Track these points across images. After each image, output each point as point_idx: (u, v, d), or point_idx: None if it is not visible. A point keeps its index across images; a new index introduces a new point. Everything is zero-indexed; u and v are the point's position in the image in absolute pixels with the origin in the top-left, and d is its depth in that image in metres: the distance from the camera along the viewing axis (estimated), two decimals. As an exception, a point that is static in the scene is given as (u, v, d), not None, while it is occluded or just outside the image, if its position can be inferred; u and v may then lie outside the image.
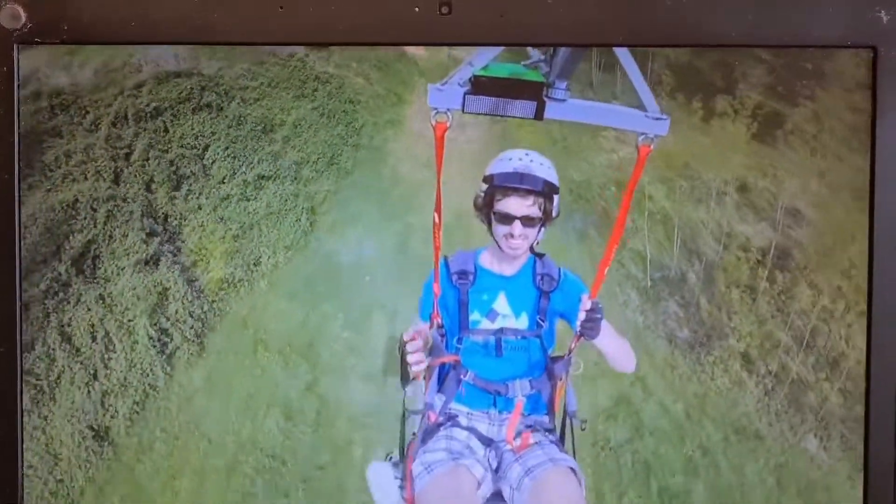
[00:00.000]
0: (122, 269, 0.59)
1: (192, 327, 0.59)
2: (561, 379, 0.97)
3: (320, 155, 0.63)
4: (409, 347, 0.93)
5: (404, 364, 0.94)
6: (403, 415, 0.97)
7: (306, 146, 0.62)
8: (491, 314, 0.97)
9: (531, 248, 0.97)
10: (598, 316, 0.92)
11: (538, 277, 0.98)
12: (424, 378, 0.97)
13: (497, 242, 0.96)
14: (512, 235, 0.93)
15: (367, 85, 0.70)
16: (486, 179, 0.94)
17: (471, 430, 0.97)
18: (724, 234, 0.82)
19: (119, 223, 0.62)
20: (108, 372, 0.58)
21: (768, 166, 0.81)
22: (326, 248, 0.63)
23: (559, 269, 0.99)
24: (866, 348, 0.85)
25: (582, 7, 0.82)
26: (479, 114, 0.83)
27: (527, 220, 0.92)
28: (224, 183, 0.61)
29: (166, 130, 0.63)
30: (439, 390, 0.97)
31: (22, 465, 0.89)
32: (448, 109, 0.82)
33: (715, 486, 0.80)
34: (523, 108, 0.83)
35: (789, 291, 0.79)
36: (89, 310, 0.58)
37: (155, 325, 0.60)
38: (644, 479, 0.83)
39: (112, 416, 0.58)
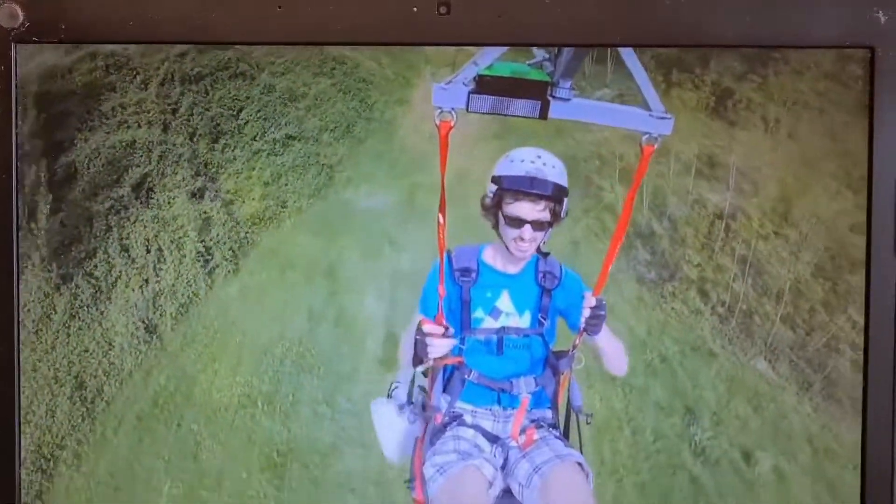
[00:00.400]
0: (174, 198, 0.72)
1: (230, 249, 0.72)
2: (564, 374, 0.97)
3: (337, 124, 0.75)
4: (426, 328, 0.91)
5: (421, 346, 0.91)
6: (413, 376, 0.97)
7: (325, 115, 0.74)
8: (494, 312, 0.97)
9: (537, 248, 0.96)
10: (602, 313, 0.91)
11: (540, 275, 0.97)
12: (430, 372, 0.97)
13: (505, 243, 0.95)
14: (522, 239, 0.92)
15: (379, 68, 0.80)
16: (495, 180, 0.93)
17: (476, 427, 0.97)
18: (687, 194, 0.91)
19: (170, 162, 0.73)
20: (159, 279, 0.70)
21: (726, 138, 0.89)
22: (343, 197, 0.76)
23: (561, 267, 0.98)
24: (864, 348, 0.85)
25: (580, 7, 0.82)
26: (483, 113, 0.83)
27: (537, 225, 0.92)
28: (255, 140, 0.73)
29: (207, 92, 0.73)
30: (444, 391, 0.97)
31: (19, 465, 0.89)
32: (452, 108, 0.82)
33: (671, 386, 0.91)
34: (527, 107, 0.83)
35: (742, 238, 0.89)
36: (145, 227, 0.71)
37: (200, 243, 0.72)
38: (610, 379, 0.96)
39: (161, 315, 0.70)
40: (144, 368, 0.69)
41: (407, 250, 0.90)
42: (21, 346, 0.63)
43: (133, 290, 0.68)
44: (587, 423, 0.97)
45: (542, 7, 0.82)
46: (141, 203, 0.72)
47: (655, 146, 0.84)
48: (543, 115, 0.84)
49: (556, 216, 0.93)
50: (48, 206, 0.68)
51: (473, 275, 0.97)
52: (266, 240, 0.75)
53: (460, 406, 0.98)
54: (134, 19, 0.85)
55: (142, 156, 0.74)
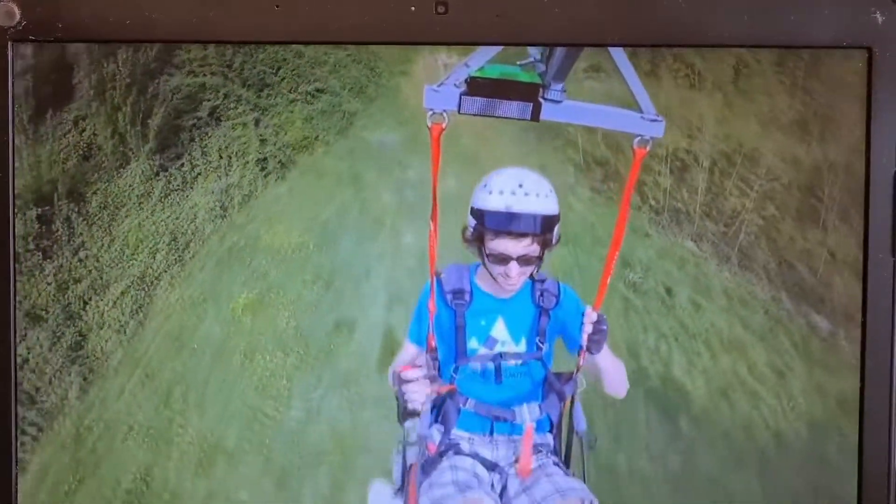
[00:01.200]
0: (237, 124, 0.91)
1: (279, 161, 0.91)
2: (568, 397, 0.91)
3: (353, 84, 0.92)
4: (405, 375, 0.87)
5: (401, 400, 0.88)
6: (403, 448, 0.95)
7: (343, 78, 0.90)
8: (489, 342, 0.91)
9: (530, 275, 0.91)
10: (604, 328, 0.86)
11: (538, 294, 0.92)
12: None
13: (492, 276, 0.90)
14: (508, 275, 0.87)
15: (385, 45, 0.91)
16: (474, 213, 0.87)
17: (474, 455, 0.91)
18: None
19: (231, 101, 0.92)
20: (229, 176, 0.92)
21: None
22: (361, 135, 0.93)
23: (559, 285, 0.93)
24: (861, 348, 0.86)
25: (579, 7, 0.82)
26: (474, 115, 0.83)
27: (524, 260, 0.86)
28: (291, 92, 0.91)
29: (252, 54, 0.90)
30: (437, 421, 0.91)
31: (16, 465, 0.89)
32: (444, 110, 0.82)
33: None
34: (519, 109, 0.83)
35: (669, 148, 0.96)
36: (218, 140, 0.92)
37: (259, 154, 0.93)
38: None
39: (230, 200, 0.93)
40: (220, 234, 0.93)
41: (412, 169, 0.97)
42: (125, 219, 0.88)
43: (211, 182, 0.91)
44: (591, 449, 0.93)
45: (540, 6, 0.82)
46: (214, 125, 0.92)
47: (647, 149, 0.83)
48: (535, 117, 0.83)
49: (546, 246, 0.87)
50: (148, 120, 0.90)
51: (467, 297, 0.91)
52: (304, 161, 0.95)
53: (456, 433, 0.92)
54: (132, 18, 0.84)
55: (210, 94, 0.92)
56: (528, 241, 0.86)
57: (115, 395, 0.94)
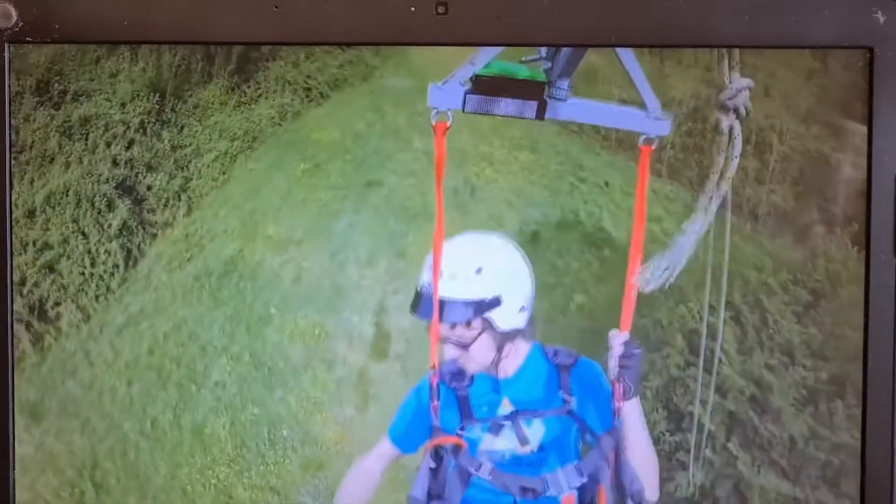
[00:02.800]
0: (291, 60, 0.94)
1: (319, 92, 0.93)
2: (612, 451, 0.75)
3: (355, 61, 0.92)
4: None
5: None
6: None
7: (346, 55, 0.91)
8: (494, 427, 0.76)
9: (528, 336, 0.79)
10: (637, 351, 0.75)
11: (551, 353, 0.79)
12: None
13: None
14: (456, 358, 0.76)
15: None
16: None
17: None
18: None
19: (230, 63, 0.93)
20: (283, 97, 0.94)
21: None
22: (359, 101, 0.93)
23: (576, 352, 0.80)
24: (863, 349, 0.85)
25: (579, 7, 0.82)
26: (479, 113, 0.83)
27: (459, 344, 0.76)
28: (303, 63, 0.93)
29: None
30: (431, 492, 0.74)
31: (13, 468, 0.88)
32: (448, 109, 0.82)
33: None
34: (524, 107, 0.82)
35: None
36: (274, 72, 0.93)
37: (304, 84, 0.94)
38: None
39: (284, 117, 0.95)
40: (278, 135, 0.93)
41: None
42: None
43: (271, 101, 0.92)
44: None
45: (540, 7, 0.82)
46: (272, 59, 0.92)
47: (653, 147, 0.82)
48: (540, 115, 0.83)
49: (470, 338, 0.75)
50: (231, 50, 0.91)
51: (467, 380, 0.78)
52: (337, 96, 0.94)
53: None
54: (129, 19, 0.84)
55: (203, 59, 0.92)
56: (458, 330, 0.76)
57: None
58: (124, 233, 0.92)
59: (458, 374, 0.77)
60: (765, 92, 0.88)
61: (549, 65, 0.82)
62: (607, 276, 0.85)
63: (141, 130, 0.92)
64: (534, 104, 0.82)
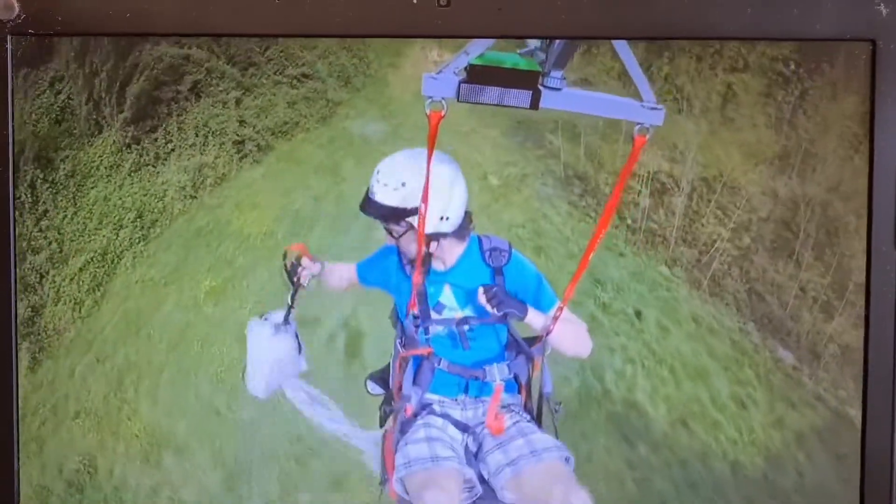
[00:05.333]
0: (217, 102, 0.90)
1: (256, 145, 0.88)
2: (536, 360, 0.96)
3: (340, 73, 0.90)
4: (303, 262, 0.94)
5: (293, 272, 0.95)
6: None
7: (332, 65, 0.88)
8: (438, 307, 0.96)
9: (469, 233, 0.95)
10: (496, 289, 0.91)
11: (486, 254, 0.96)
12: (400, 369, 0.98)
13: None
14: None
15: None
16: None
17: (445, 416, 0.97)
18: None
19: (214, 76, 0.90)
20: (204, 155, 0.88)
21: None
22: (343, 124, 0.91)
23: (508, 244, 0.97)
24: (864, 341, 0.86)
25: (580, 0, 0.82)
26: (473, 103, 0.82)
27: (393, 233, 0.92)
28: (276, 74, 0.88)
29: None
30: (414, 382, 0.96)
31: (18, 470, 0.89)
32: (443, 98, 0.81)
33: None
34: (519, 97, 0.82)
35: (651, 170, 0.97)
36: (195, 117, 0.88)
37: (236, 135, 0.90)
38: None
39: (203, 181, 0.89)
40: (189, 215, 0.90)
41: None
42: (90, 190, 0.83)
43: (184, 160, 0.87)
44: (555, 412, 0.97)
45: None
46: (194, 100, 0.89)
47: (647, 137, 0.82)
48: (535, 104, 0.82)
49: (399, 233, 0.91)
50: (126, 88, 0.87)
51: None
52: (281, 146, 0.92)
53: (428, 397, 0.97)
54: (131, 11, 0.84)
55: (194, 67, 0.90)
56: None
57: (65, 376, 0.92)
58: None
59: (412, 262, 0.95)
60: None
61: (543, 56, 0.82)
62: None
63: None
64: (528, 93, 0.82)
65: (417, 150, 0.88)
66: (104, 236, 0.87)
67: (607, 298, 1.00)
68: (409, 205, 0.89)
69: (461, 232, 0.94)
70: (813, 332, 0.91)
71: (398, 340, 0.99)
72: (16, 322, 0.88)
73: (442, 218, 0.91)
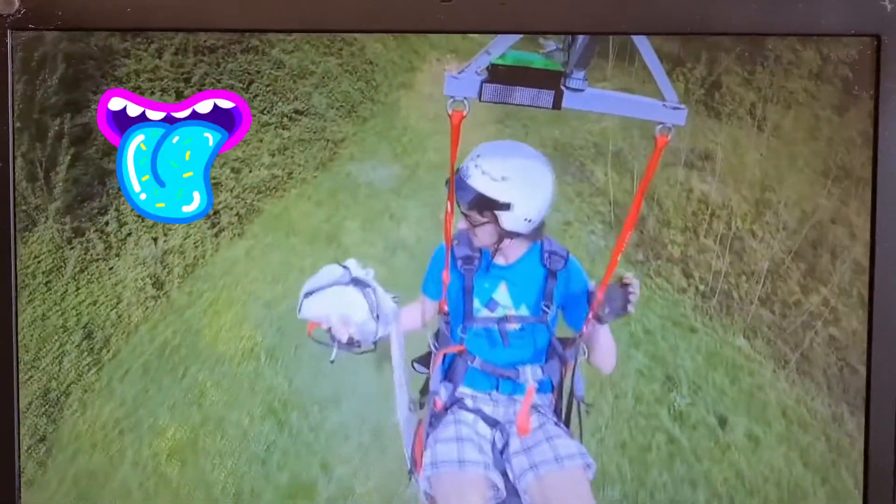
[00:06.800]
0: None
1: (236, 214, 0.72)
2: (569, 363, 0.97)
3: (343, 103, 0.77)
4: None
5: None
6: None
7: (332, 94, 0.75)
8: (491, 304, 0.97)
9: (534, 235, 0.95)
10: (637, 292, 0.88)
11: (545, 255, 0.96)
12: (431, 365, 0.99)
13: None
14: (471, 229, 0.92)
15: (385, 51, 0.81)
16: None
17: (477, 411, 0.98)
18: (678, 184, 0.94)
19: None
20: (167, 238, 0.70)
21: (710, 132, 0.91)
22: (346, 170, 0.78)
23: (567, 253, 0.97)
24: (867, 343, 0.85)
25: (583, -5, 0.82)
26: (495, 102, 0.82)
27: (474, 221, 0.91)
28: (264, 113, 0.74)
29: (219, 64, 0.72)
30: (445, 378, 0.98)
31: (19, 472, 0.88)
32: (465, 98, 0.81)
33: (653, 354, 0.94)
34: (541, 97, 0.82)
35: (723, 219, 0.92)
36: None
37: None
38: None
39: (168, 272, 0.71)
40: (151, 322, 0.71)
41: (406, 222, 0.90)
42: (27, 305, 0.64)
43: (142, 248, 0.69)
44: (587, 413, 0.98)
45: (544, -5, 0.82)
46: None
47: (669, 136, 0.82)
48: (557, 105, 0.82)
49: (478, 222, 0.90)
50: (65, 161, 0.68)
51: (476, 262, 0.97)
52: (271, 207, 0.76)
53: (461, 391, 0.99)
54: (131, 6, 0.83)
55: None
56: (466, 208, 0.91)
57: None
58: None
59: (468, 258, 0.95)
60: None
61: (565, 57, 0.82)
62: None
63: None
64: (550, 94, 0.81)
65: (520, 144, 0.91)
66: (44, 371, 0.65)
67: (684, 404, 0.90)
68: (504, 199, 0.89)
69: (534, 234, 0.95)
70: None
71: (432, 340, 1.01)
72: (16, 322, 0.87)
73: (526, 220, 0.91)
